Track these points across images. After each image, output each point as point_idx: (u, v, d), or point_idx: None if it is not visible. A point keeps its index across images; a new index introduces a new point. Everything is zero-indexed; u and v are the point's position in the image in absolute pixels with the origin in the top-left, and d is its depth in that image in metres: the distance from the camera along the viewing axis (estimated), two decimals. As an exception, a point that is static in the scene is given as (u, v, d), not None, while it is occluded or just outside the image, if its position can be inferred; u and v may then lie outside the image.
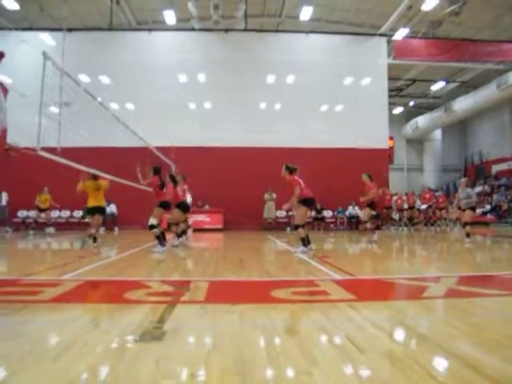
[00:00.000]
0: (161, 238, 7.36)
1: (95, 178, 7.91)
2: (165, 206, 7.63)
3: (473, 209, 9.82)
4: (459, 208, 9.95)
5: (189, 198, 11.99)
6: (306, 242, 7.02)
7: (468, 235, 9.50)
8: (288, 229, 16.02)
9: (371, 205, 9.83)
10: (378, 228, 10.42)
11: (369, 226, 10.01)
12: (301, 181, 7.19)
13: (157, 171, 7.77)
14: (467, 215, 9.74)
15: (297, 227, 7.22)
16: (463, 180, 10.16)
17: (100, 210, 7.98)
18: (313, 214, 17.00)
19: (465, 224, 9.80)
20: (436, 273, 5.29)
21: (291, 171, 7.21)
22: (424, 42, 18.82)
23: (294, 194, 7.03)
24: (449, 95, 24.91)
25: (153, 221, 7.41)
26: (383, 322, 2.69)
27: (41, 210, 13.53)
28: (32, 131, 6.06)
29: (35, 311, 2.94)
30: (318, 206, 16.72)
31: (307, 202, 7.13)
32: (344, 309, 2.95)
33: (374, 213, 10.09)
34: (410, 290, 3.91)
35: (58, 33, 15.87)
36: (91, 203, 7.89)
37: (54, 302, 3.19)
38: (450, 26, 18.87)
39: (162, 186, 7.73)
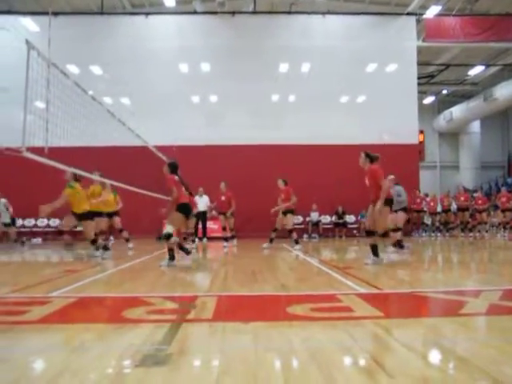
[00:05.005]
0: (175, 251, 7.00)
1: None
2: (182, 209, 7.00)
3: (405, 210, 9.58)
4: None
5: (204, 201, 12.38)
6: (376, 251, 6.71)
7: (397, 244, 8.78)
8: (305, 236, 16.01)
9: (292, 211, 10.87)
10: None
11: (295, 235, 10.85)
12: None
13: (173, 168, 7.20)
14: (401, 217, 9.37)
15: (384, 235, 7.07)
16: (391, 177, 9.16)
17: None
18: (333, 218, 16.96)
19: (396, 229, 9.07)
20: (476, 286, 5.23)
21: (372, 160, 6.86)
22: (459, 20, 18.62)
23: (381, 190, 6.54)
24: (489, 81, 24.61)
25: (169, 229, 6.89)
26: (415, 343, 2.67)
27: None
28: (16, 129, 6.05)
29: (21, 334, 2.96)
30: (340, 210, 16.68)
31: (389, 203, 6.90)
32: (370, 327, 2.95)
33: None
34: (445, 306, 3.88)
35: (42, 17, 15.84)
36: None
37: (42, 322, 3.21)
38: (490, 0, 18.58)
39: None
